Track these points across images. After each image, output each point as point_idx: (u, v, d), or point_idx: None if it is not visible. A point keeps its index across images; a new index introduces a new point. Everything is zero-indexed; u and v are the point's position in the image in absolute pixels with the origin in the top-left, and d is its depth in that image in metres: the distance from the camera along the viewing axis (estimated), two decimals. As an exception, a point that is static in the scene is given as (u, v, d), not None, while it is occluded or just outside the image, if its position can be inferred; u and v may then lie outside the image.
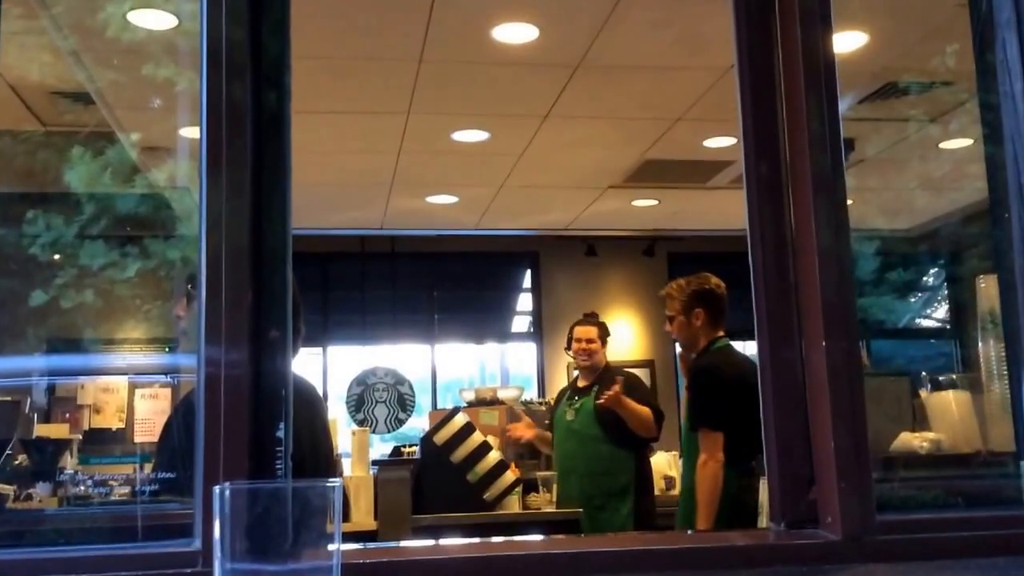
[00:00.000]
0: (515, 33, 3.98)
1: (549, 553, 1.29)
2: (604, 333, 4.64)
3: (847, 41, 3.54)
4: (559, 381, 8.33)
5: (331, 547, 1.02)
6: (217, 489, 1.01)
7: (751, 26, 1.49)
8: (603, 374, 4.54)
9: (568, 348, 4.67)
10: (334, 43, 4.00)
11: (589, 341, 4.54)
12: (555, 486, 4.63)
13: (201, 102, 1.34)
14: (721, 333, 3.73)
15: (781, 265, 1.43)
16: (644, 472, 4.54)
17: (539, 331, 8.75)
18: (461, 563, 1.28)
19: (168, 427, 2.25)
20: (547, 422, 4.92)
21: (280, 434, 1.29)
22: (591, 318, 4.81)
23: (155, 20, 3.55)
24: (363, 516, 4.39)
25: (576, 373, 4.90)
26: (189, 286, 2.63)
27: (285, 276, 1.33)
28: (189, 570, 1.19)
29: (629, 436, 4.34)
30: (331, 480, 1.04)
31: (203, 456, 1.24)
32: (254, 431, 1.26)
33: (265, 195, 1.34)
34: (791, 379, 1.41)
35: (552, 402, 5.08)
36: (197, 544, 1.21)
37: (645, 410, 4.32)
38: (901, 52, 3.81)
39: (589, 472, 4.38)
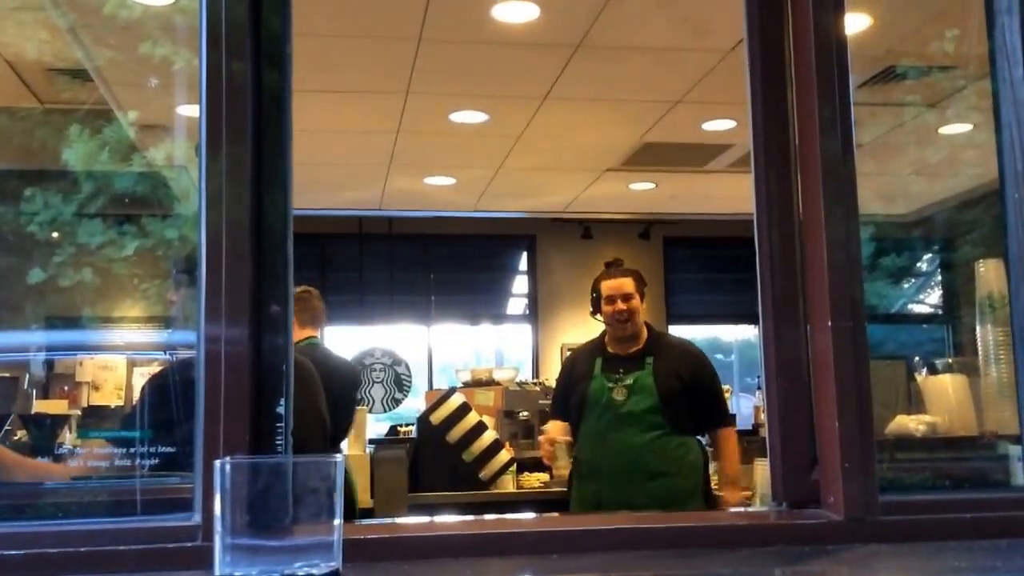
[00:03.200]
0: (515, 12, 3.95)
1: (544, 531, 1.30)
2: (641, 285, 3.56)
3: (851, 23, 3.52)
4: (553, 363, 8.33)
5: (333, 522, 1.02)
6: (218, 463, 1.01)
7: (762, 6, 1.48)
8: (654, 339, 3.53)
9: (596, 311, 3.58)
10: (332, 21, 3.98)
11: (626, 298, 3.46)
12: (583, 488, 3.46)
13: (201, 80, 1.33)
14: (308, 334, 3.89)
15: (788, 246, 1.43)
16: (707, 467, 3.63)
17: (535, 313, 8.75)
18: (457, 540, 1.28)
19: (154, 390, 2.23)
20: (559, 399, 3.70)
21: (280, 410, 1.29)
22: (620, 266, 3.64)
23: (152, -5, 3.52)
24: (360, 494, 4.41)
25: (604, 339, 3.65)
26: (178, 272, 2.63)
27: (286, 252, 1.33)
28: (189, 544, 1.20)
29: (696, 422, 3.49)
30: (332, 456, 1.04)
31: (203, 431, 1.24)
32: (254, 406, 1.26)
33: (265, 172, 1.34)
34: (795, 360, 1.41)
35: (564, 373, 3.75)
36: (197, 518, 1.22)
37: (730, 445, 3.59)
38: (904, 36, 3.79)
39: (657, 472, 3.32)
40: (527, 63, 4.52)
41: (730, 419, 3.67)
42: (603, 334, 3.59)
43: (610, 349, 3.53)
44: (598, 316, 3.56)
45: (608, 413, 3.39)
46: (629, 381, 3.40)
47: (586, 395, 3.45)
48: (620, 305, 3.45)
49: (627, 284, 3.49)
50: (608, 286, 3.51)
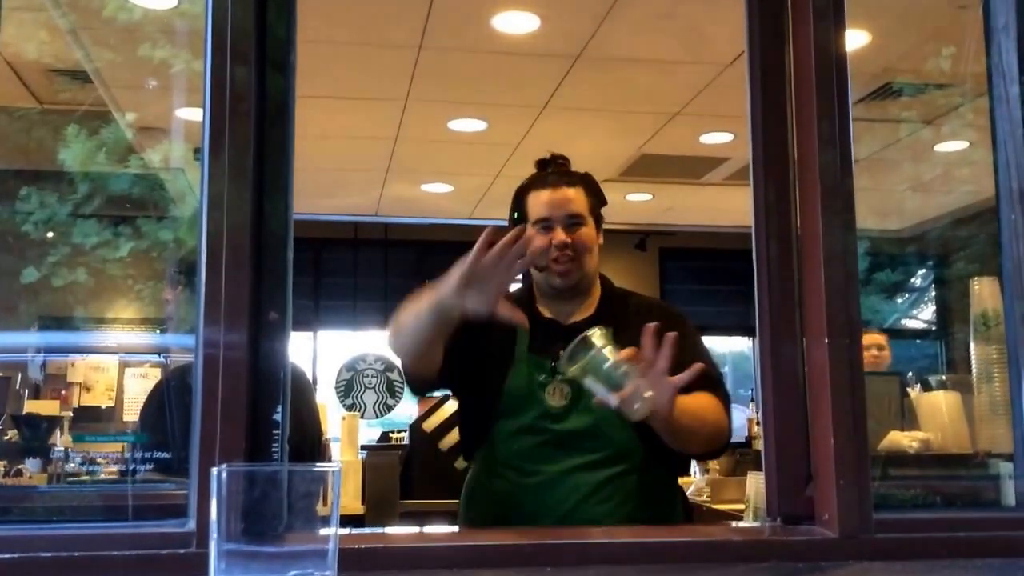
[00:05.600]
0: (516, 22, 3.96)
1: (537, 543, 1.29)
2: (597, 201, 2.05)
3: (849, 40, 3.53)
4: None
5: (328, 531, 1.02)
6: (215, 471, 1.00)
7: (763, 21, 1.49)
8: (612, 299, 2.06)
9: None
10: (334, 28, 3.98)
11: (571, 221, 1.98)
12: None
13: (205, 83, 1.33)
14: None
15: (785, 261, 1.44)
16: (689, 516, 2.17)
17: (529, 322, 8.74)
18: (451, 551, 1.28)
19: (156, 400, 2.22)
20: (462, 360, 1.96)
21: (277, 417, 1.28)
22: (560, 165, 2.10)
23: (154, 0, 3.53)
24: (351, 500, 4.41)
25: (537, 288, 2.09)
26: (175, 271, 2.63)
27: (286, 258, 1.33)
28: (183, 551, 1.19)
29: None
30: (329, 464, 1.04)
31: (200, 437, 1.24)
32: (252, 413, 1.26)
33: (267, 178, 1.34)
34: (791, 375, 1.41)
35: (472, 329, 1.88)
36: (191, 525, 1.21)
37: (704, 400, 1.85)
38: (902, 53, 3.82)
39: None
40: (527, 73, 4.53)
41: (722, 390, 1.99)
42: (529, 284, 2.12)
43: (543, 311, 2.05)
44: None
45: (537, 428, 1.91)
46: (575, 369, 1.74)
47: (502, 390, 1.95)
48: (559, 234, 1.97)
49: (573, 198, 1.98)
50: (540, 200, 1.99)
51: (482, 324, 1.85)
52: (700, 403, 1.82)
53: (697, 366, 1.57)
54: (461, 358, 1.93)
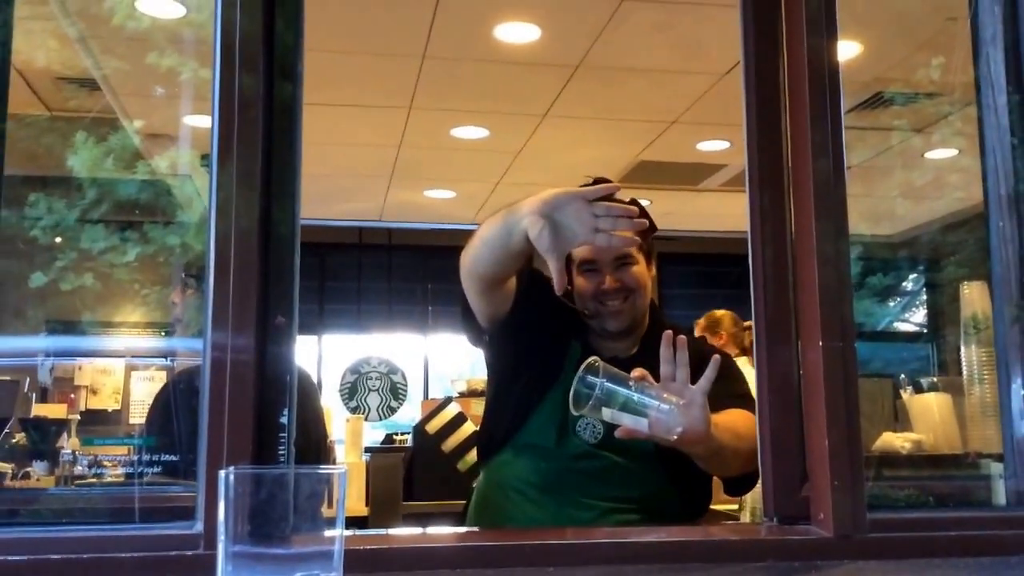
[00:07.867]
0: (517, 32, 4.00)
1: (540, 544, 1.30)
2: (649, 232, 1.78)
3: (841, 50, 3.55)
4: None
5: (334, 533, 1.04)
6: (222, 473, 1.02)
7: (758, 32, 1.51)
8: (653, 333, 1.76)
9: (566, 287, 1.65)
10: (339, 37, 4.01)
11: (619, 261, 1.86)
12: None
13: (213, 91, 1.33)
14: None
15: (781, 266, 1.45)
16: None
17: (531, 327, 8.75)
18: (454, 551, 1.30)
19: (162, 402, 2.22)
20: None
21: (284, 420, 1.30)
22: (611, 197, 1.72)
23: (162, 9, 3.56)
24: (354, 502, 4.42)
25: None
26: (185, 274, 2.65)
27: (293, 263, 1.34)
28: (190, 553, 1.20)
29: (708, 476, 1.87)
30: (335, 466, 1.06)
31: (207, 440, 1.25)
32: (258, 416, 1.27)
33: (275, 184, 1.34)
34: (787, 377, 1.43)
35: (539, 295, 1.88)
36: (199, 527, 1.22)
37: (738, 416, 1.73)
38: (892, 63, 3.84)
39: None
40: (528, 82, 4.56)
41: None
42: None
43: (593, 338, 1.95)
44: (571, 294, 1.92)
45: (564, 455, 1.84)
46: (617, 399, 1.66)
47: (535, 409, 1.88)
48: (607, 280, 1.86)
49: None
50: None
51: (543, 325, 1.86)
52: (734, 418, 1.71)
53: (716, 357, 1.53)
54: (517, 336, 1.86)
